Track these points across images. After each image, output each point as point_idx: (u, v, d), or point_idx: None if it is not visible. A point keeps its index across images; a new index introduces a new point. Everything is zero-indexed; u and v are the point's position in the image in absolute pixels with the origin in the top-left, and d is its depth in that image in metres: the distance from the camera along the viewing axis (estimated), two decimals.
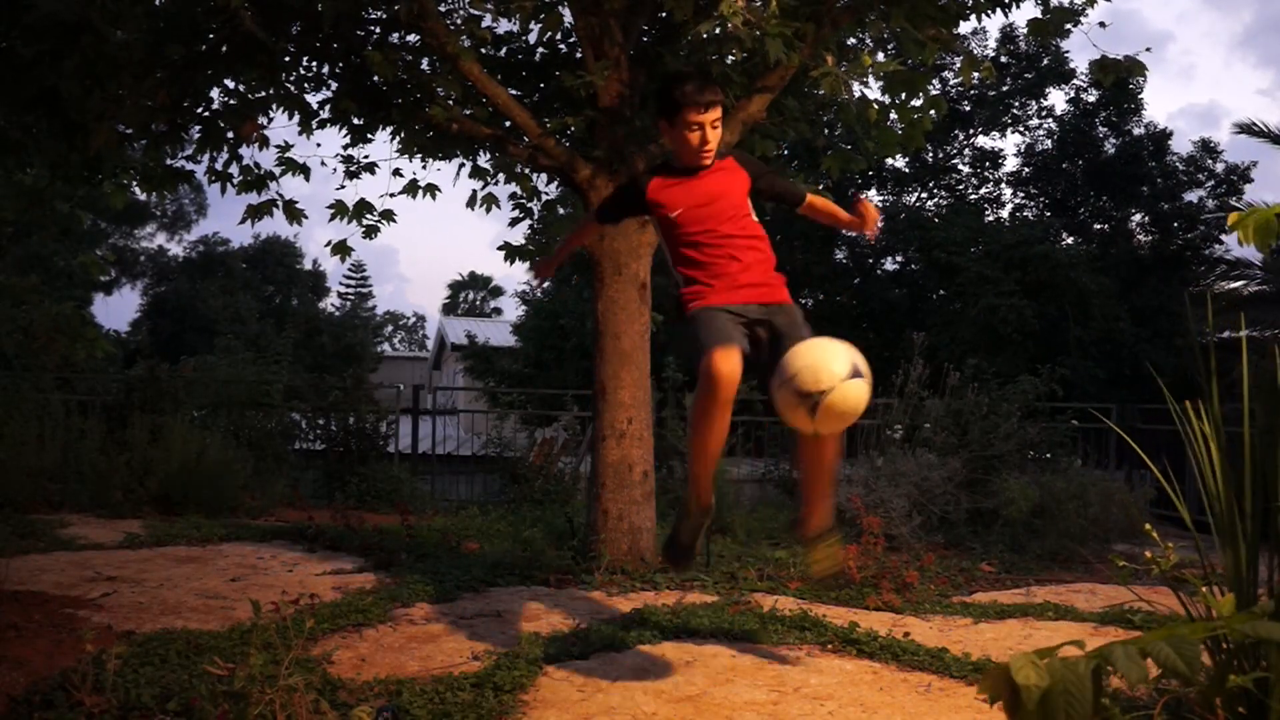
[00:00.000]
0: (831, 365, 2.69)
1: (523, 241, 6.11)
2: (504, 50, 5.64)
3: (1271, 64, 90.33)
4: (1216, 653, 2.23)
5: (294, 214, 5.70)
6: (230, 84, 5.25)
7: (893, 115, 5.35)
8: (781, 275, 3.15)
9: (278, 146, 5.65)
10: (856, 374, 2.70)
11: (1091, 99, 20.70)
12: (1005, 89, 20.62)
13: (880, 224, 3.20)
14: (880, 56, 4.59)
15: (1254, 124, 13.33)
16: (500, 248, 6.06)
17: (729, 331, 2.91)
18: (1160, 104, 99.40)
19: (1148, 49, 4.96)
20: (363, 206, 5.76)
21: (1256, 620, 1.99)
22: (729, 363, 2.77)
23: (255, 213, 5.66)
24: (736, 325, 2.95)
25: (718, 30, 4.00)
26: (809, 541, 3.24)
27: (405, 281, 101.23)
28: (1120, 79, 5.12)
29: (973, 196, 22.01)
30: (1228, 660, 2.17)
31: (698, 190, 3.13)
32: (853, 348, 2.77)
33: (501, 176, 6.03)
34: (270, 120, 5.38)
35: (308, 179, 5.95)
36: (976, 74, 5.05)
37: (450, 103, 4.96)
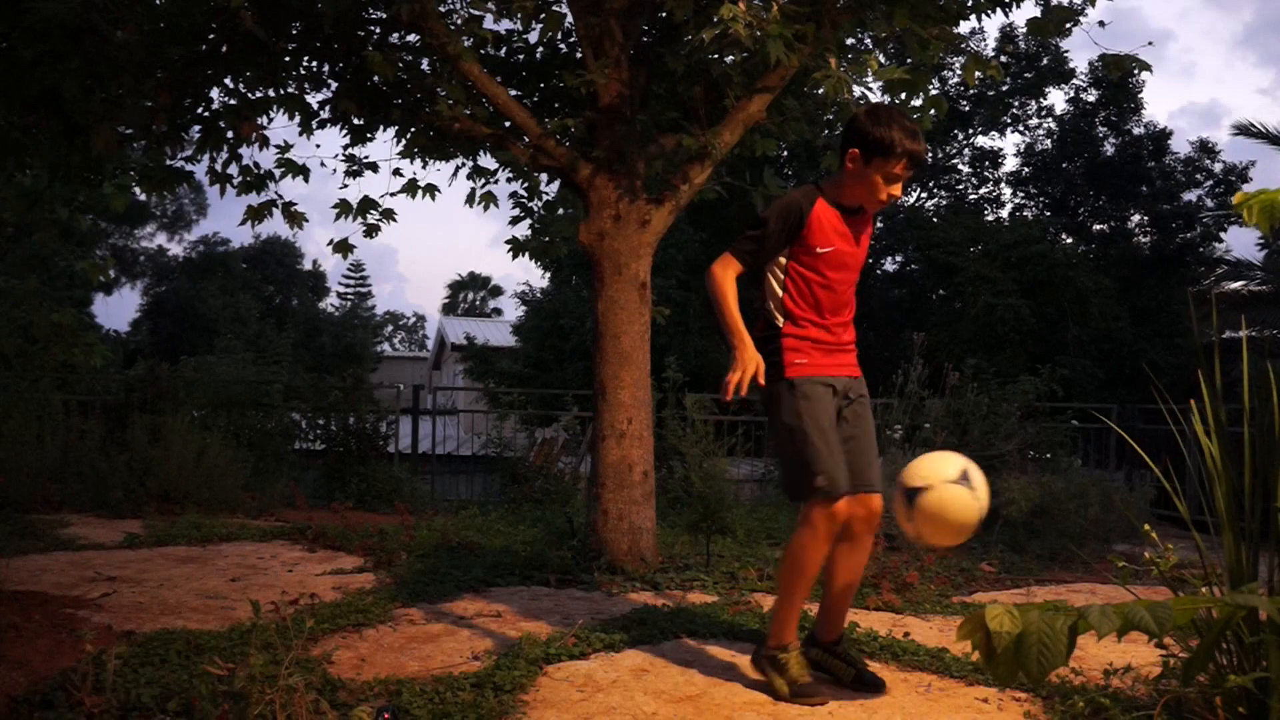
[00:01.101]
0: (938, 466, 2.63)
1: (529, 234, 6.07)
2: (504, 50, 5.64)
3: (1272, 63, 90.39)
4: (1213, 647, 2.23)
5: (294, 218, 5.68)
6: (230, 84, 5.25)
7: None
8: None
9: (277, 147, 5.64)
10: (964, 479, 2.60)
11: (1091, 99, 20.70)
12: (1005, 88, 20.62)
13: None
14: (881, 56, 4.55)
15: (1252, 125, 13.37)
16: (507, 241, 6.05)
17: (840, 459, 2.80)
18: (1161, 103, 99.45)
19: (1149, 43, 4.97)
20: (367, 203, 5.74)
21: (1247, 594, 1.99)
22: (848, 509, 2.80)
23: (255, 214, 5.64)
24: (836, 427, 2.85)
25: (718, 34, 4.00)
26: (823, 650, 3.02)
27: (405, 281, 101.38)
28: (1125, 75, 5.10)
29: (972, 196, 22.03)
30: (1215, 638, 2.16)
31: (850, 234, 2.93)
32: (974, 465, 2.67)
33: (502, 176, 6.03)
34: (270, 120, 5.38)
35: (307, 180, 5.94)
36: (981, 74, 5.00)
37: (451, 102, 4.96)
